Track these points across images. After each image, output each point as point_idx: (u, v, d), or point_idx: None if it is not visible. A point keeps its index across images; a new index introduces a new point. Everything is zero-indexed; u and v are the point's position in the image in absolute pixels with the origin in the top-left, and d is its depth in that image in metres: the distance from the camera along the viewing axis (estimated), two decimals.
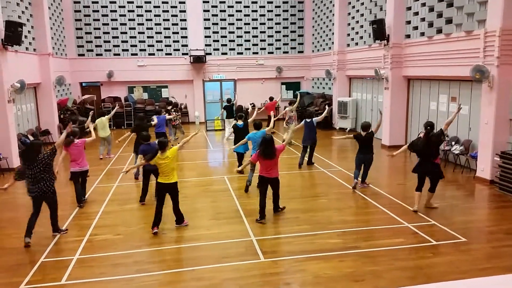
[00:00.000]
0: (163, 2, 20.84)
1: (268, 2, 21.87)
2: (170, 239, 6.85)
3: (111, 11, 20.48)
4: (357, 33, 16.93)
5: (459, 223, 7.23)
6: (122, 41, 20.77)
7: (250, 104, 20.36)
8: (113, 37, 20.66)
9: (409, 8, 13.14)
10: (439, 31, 11.65)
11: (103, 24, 20.50)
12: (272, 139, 7.33)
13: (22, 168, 6.78)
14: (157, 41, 21.05)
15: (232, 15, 21.64)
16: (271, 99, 17.64)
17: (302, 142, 11.61)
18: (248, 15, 21.78)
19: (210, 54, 21.43)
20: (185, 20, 21.15)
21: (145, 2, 20.69)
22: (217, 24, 21.53)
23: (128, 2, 20.53)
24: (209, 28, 21.45)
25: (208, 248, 6.52)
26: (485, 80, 9.34)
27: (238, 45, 21.89)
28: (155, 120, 12.62)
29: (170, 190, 7.05)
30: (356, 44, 17.04)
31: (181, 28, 21.20)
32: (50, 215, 7.00)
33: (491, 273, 5.43)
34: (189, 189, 9.60)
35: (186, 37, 21.23)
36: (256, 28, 21.96)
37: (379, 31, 13.43)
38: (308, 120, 11.41)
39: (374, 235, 6.84)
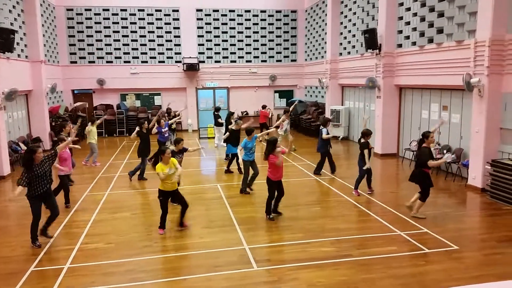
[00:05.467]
0: (156, 10, 20.89)
1: (262, 11, 22.01)
2: (163, 248, 6.79)
3: (104, 18, 20.47)
4: (349, 42, 17.08)
5: (451, 231, 7.27)
6: (115, 49, 20.74)
7: (240, 113, 20.30)
8: (106, 45, 20.63)
9: (400, 18, 13.30)
10: (431, 40, 11.80)
11: (96, 32, 20.47)
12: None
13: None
14: (150, 49, 21.05)
15: (226, 24, 21.73)
16: (263, 107, 18.15)
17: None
18: (242, 24, 21.89)
19: (203, 62, 21.47)
20: (178, 28, 21.19)
21: (138, 10, 20.71)
22: (210, 32, 21.60)
23: (121, 10, 20.54)
24: (202, 36, 21.52)
25: (200, 257, 6.47)
26: (469, 88, 9.49)
27: (231, 53, 21.96)
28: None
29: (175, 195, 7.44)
30: (349, 53, 17.18)
31: (174, 36, 21.23)
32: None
33: (483, 280, 5.45)
34: None
35: (179, 45, 21.26)
36: (250, 36, 22.06)
37: (371, 40, 13.56)
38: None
39: (367, 243, 6.84)
